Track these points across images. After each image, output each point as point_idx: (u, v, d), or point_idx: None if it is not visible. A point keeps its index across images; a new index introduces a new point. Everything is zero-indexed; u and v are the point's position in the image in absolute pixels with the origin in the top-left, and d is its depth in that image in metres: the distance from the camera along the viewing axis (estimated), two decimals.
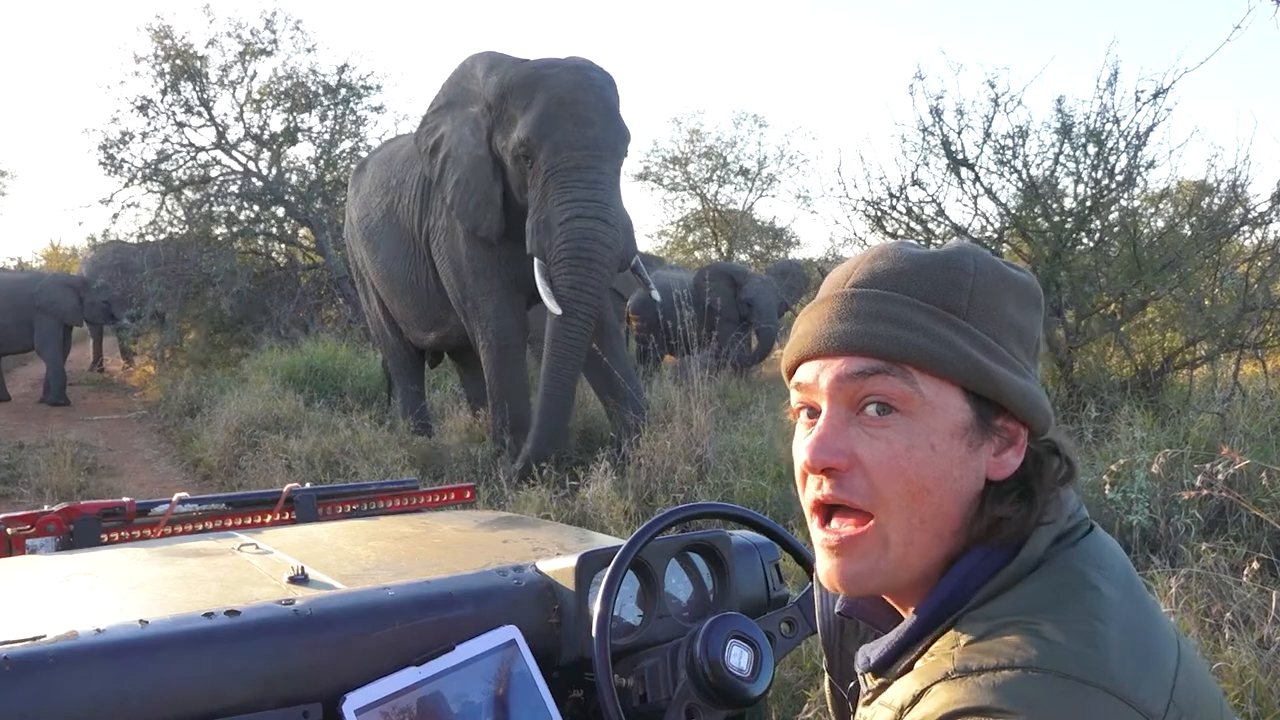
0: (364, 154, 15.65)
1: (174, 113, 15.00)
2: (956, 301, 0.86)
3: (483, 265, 6.64)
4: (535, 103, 6.04)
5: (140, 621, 1.18)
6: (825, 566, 0.90)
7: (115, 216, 15.19)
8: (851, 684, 1.02)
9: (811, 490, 0.90)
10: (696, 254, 23.56)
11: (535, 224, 6.04)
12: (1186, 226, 7.55)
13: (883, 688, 0.90)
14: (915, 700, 0.80)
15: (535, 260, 6.04)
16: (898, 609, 0.96)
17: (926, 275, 0.88)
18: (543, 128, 5.97)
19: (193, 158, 15.28)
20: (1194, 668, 0.84)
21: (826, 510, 0.89)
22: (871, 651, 0.91)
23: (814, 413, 0.91)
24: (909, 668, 0.86)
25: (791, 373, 0.94)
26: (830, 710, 1.10)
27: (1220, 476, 3.09)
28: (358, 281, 8.56)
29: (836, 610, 1.02)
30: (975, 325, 0.86)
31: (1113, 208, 7.48)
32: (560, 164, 5.93)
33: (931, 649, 0.84)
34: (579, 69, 6.23)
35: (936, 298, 0.87)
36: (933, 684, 0.79)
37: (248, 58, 15.23)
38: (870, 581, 0.88)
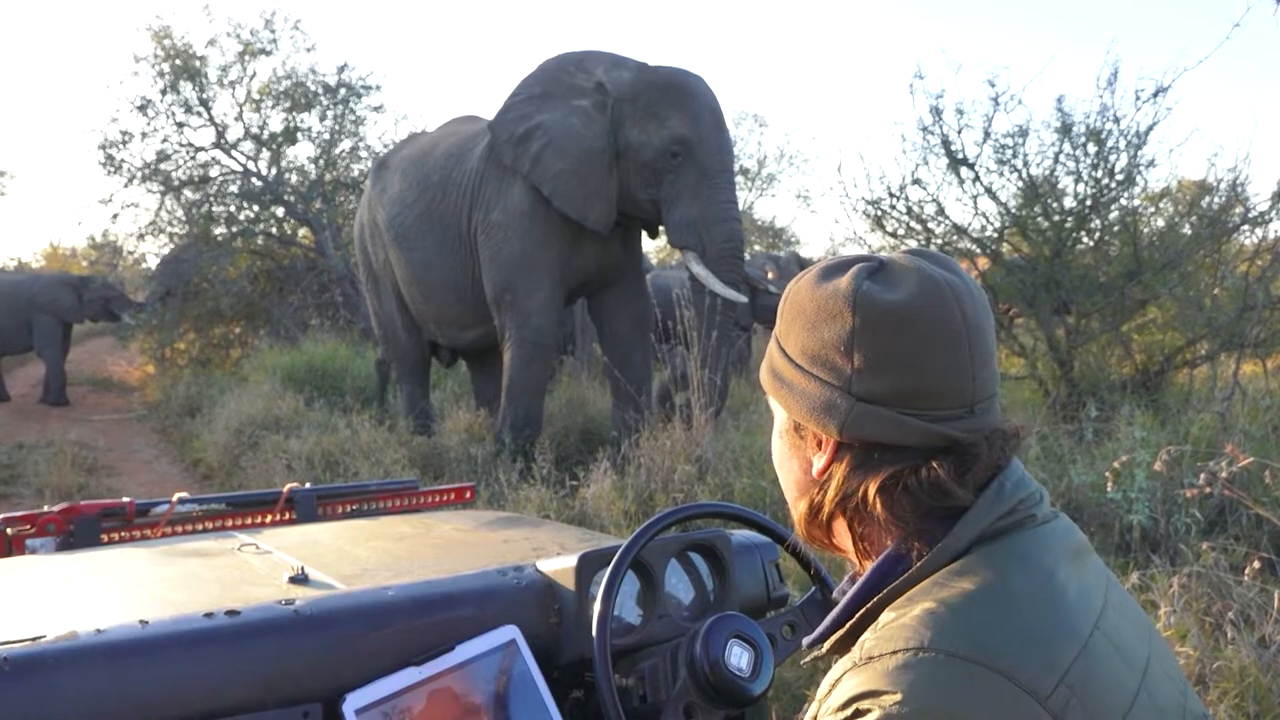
0: (364, 154, 15.69)
1: (173, 113, 15.01)
2: (779, 329, 1.02)
3: (535, 262, 6.67)
4: (690, 104, 6.34)
5: (140, 621, 1.18)
6: None
7: (115, 217, 15.22)
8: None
9: None
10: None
11: (685, 219, 6.28)
12: (1186, 226, 7.55)
13: (821, 660, 1.01)
14: (832, 688, 0.88)
15: (688, 252, 6.32)
16: None
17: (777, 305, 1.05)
18: (703, 129, 6.28)
19: (192, 158, 15.28)
20: (1106, 662, 0.87)
21: None
22: (814, 632, 1.01)
23: None
24: (842, 645, 0.95)
25: None
26: None
27: (1223, 474, 3.09)
28: (366, 281, 8.48)
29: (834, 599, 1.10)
30: (782, 348, 1.01)
31: (1113, 207, 7.48)
32: (715, 166, 6.28)
33: (860, 638, 0.91)
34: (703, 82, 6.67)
35: (778, 327, 1.02)
36: (844, 673, 0.87)
37: (247, 57, 15.22)
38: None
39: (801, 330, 0.98)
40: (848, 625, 0.94)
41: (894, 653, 0.83)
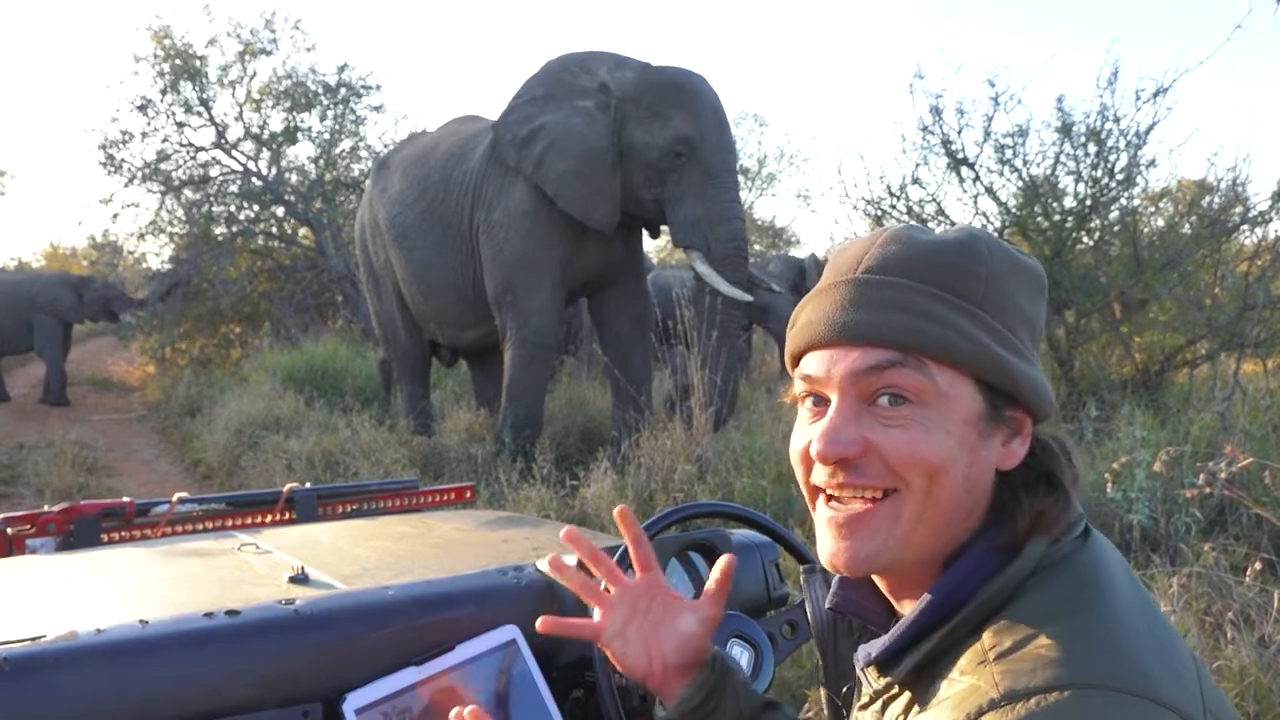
0: (364, 154, 15.69)
1: (174, 113, 15.04)
2: (972, 290, 0.85)
3: (536, 262, 6.69)
4: (693, 104, 6.38)
5: (140, 621, 1.17)
6: (832, 547, 0.88)
7: (115, 217, 15.23)
8: (845, 687, 1.01)
9: (819, 476, 0.88)
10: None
11: (689, 219, 6.30)
12: (1186, 225, 7.56)
13: (889, 687, 0.88)
14: None
15: (693, 252, 6.34)
16: (892, 602, 0.94)
17: (942, 262, 0.86)
18: (706, 128, 6.32)
19: (192, 157, 15.31)
20: (1210, 678, 0.84)
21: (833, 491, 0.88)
22: (872, 648, 0.90)
23: (820, 400, 0.89)
24: (918, 669, 0.85)
25: (796, 360, 0.92)
26: (827, 714, 1.10)
27: (1222, 474, 3.09)
28: (367, 281, 8.48)
29: (827, 606, 1.00)
30: (989, 314, 0.85)
31: (1113, 207, 7.49)
32: (719, 165, 6.32)
33: (960, 665, 0.81)
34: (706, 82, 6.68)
35: (953, 286, 0.85)
36: (980, 714, 0.75)
37: (247, 57, 15.25)
38: (878, 561, 0.87)
39: (1021, 296, 0.87)
40: (928, 648, 0.84)
41: (1047, 690, 0.73)
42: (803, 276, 12.65)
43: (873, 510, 0.86)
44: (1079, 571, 0.84)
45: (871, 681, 0.91)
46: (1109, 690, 0.73)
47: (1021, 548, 0.84)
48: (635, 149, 6.41)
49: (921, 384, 0.84)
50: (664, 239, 9.55)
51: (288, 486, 2.24)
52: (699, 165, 6.26)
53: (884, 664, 0.89)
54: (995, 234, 7.59)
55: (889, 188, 7.70)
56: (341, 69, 15.64)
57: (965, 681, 0.79)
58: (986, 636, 0.81)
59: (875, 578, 0.94)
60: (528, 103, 6.73)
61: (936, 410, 0.84)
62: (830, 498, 0.88)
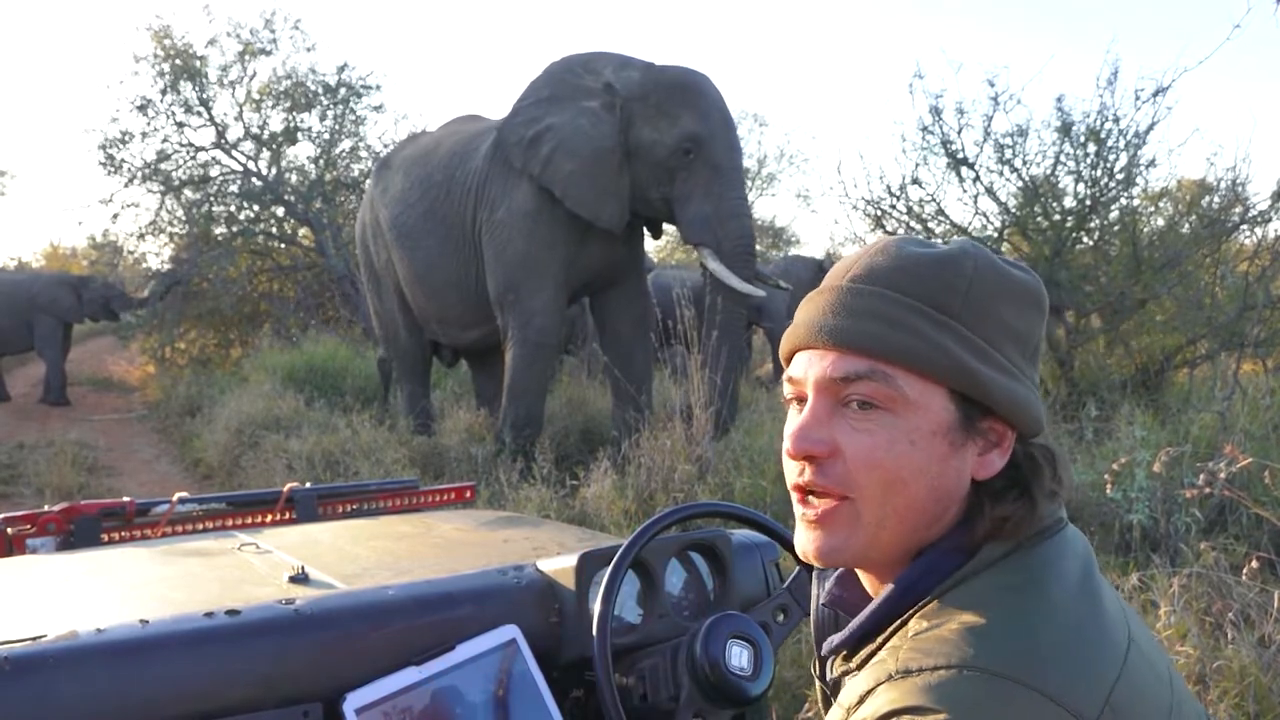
0: (364, 154, 15.69)
1: (174, 113, 15.02)
2: (949, 302, 0.88)
3: (538, 262, 6.69)
4: (700, 103, 6.41)
5: (140, 621, 1.18)
6: (803, 539, 0.93)
7: (115, 217, 15.23)
8: (833, 679, 1.03)
9: (793, 475, 0.92)
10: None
11: (698, 216, 6.33)
12: (1186, 225, 7.56)
13: (844, 675, 0.93)
14: (862, 700, 0.83)
15: (704, 249, 6.37)
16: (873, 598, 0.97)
17: (922, 275, 0.89)
18: (714, 126, 6.36)
19: (192, 157, 15.29)
20: (1143, 676, 0.84)
21: (807, 491, 0.92)
22: (835, 637, 0.95)
23: (803, 401, 0.93)
24: (865, 662, 0.89)
25: (789, 361, 0.96)
26: (822, 709, 1.11)
27: (1222, 474, 3.09)
28: (367, 281, 8.48)
29: (822, 602, 1.04)
30: (967, 327, 0.87)
31: (1113, 207, 7.49)
32: (726, 163, 6.36)
33: (887, 645, 0.87)
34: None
35: (929, 298, 0.88)
36: (878, 684, 0.82)
37: (247, 57, 15.24)
38: (843, 555, 0.91)
39: (1007, 311, 0.89)
40: (881, 639, 0.88)
41: (935, 669, 0.79)
42: (820, 275, 12.70)
43: (838, 508, 0.90)
44: (1020, 567, 0.87)
45: (832, 669, 0.96)
46: (991, 674, 0.77)
47: (979, 549, 0.88)
48: (643, 148, 6.43)
49: (888, 394, 0.87)
50: (664, 239, 9.55)
51: (288, 486, 2.24)
52: (707, 163, 6.29)
53: (847, 655, 0.94)
54: (995, 234, 7.63)
55: (889, 188, 7.71)
56: (341, 69, 15.62)
57: (882, 657, 0.85)
58: (913, 621, 0.86)
59: (860, 575, 0.98)
60: (533, 104, 6.74)
61: (904, 419, 0.87)
62: (806, 496, 0.92)
